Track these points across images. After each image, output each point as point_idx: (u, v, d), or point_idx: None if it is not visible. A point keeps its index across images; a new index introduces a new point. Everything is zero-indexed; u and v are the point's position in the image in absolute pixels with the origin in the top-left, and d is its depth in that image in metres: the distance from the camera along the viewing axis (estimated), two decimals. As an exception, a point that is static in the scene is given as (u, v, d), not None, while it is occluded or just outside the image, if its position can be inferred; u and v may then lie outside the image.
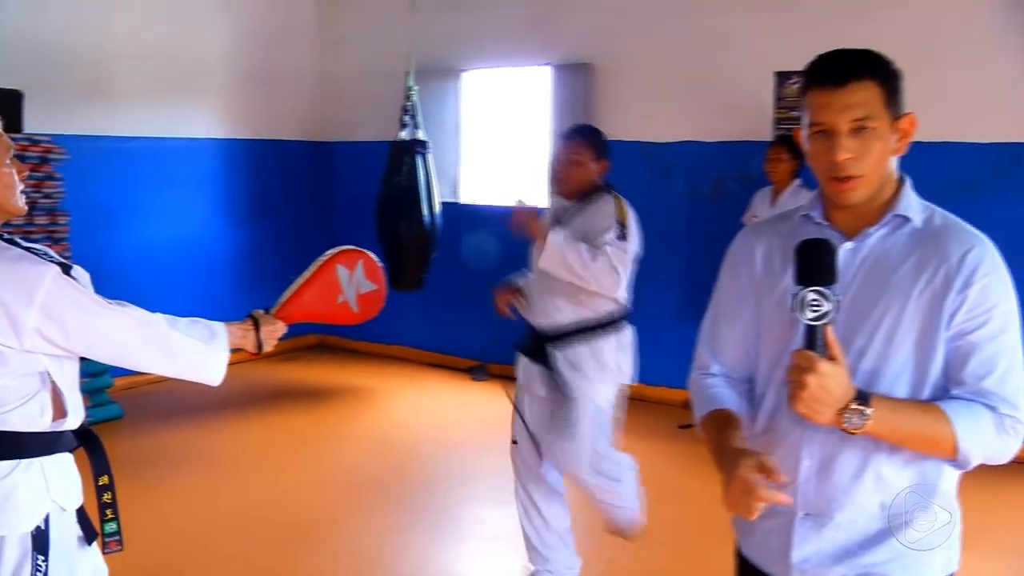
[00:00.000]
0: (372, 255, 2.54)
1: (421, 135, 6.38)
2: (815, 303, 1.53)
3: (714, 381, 1.86)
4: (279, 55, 7.88)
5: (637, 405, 6.47)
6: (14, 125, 5.47)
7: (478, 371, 7.19)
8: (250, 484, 5.00)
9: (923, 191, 1.73)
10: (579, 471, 3.58)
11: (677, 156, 6.52)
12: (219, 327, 2.22)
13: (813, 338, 1.54)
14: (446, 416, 6.39)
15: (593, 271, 3.35)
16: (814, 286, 1.54)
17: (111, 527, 2.19)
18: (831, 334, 1.54)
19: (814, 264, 1.57)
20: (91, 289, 2.06)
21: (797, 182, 5.44)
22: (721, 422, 1.76)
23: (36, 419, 1.99)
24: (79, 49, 6.44)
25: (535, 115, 7.17)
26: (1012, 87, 5.37)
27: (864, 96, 1.62)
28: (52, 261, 1.97)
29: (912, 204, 1.71)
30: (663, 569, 4.05)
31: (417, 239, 6.33)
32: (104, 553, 2.18)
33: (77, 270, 2.04)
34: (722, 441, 1.71)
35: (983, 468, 1.65)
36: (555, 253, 3.35)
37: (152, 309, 2.13)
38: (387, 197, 6.39)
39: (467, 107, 7.52)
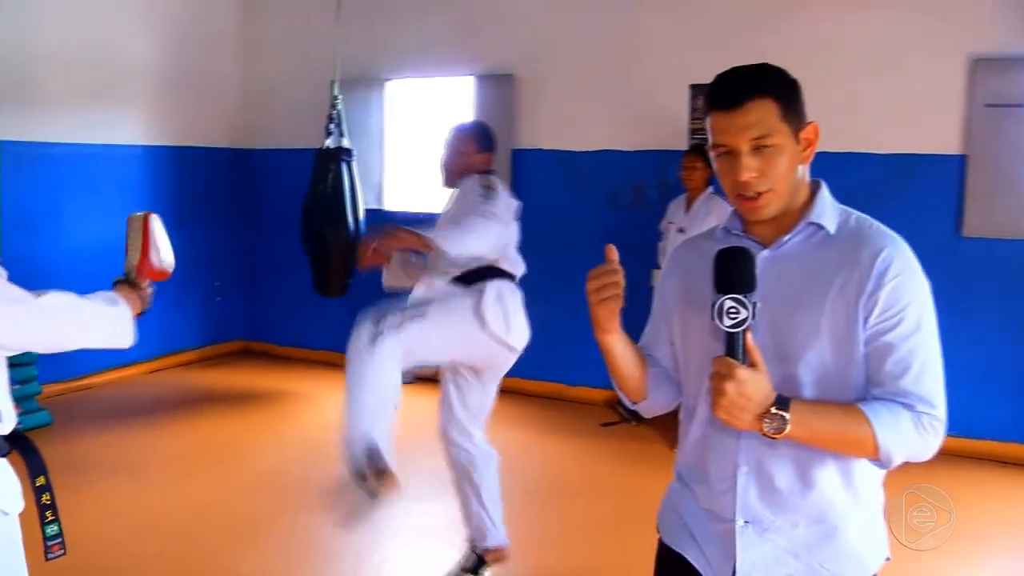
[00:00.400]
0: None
1: (346, 143, 6.47)
2: (733, 310, 1.56)
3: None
4: (203, 62, 7.89)
5: (560, 405, 6.71)
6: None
7: (405, 373, 7.30)
8: (183, 487, 5.03)
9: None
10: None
11: (597, 164, 6.74)
12: (111, 294, 2.27)
13: (733, 345, 1.58)
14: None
15: (472, 228, 3.45)
16: (731, 294, 1.57)
17: (53, 529, 2.13)
18: (750, 340, 1.58)
19: (730, 272, 1.60)
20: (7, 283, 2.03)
21: (710, 189, 5.69)
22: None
23: None
24: (3, 54, 6.37)
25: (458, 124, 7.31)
26: (910, 101, 5.71)
27: (760, 114, 1.65)
28: None
29: (826, 210, 1.74)
30: (592, 560, 4.21)
31: (342, 246, 6.40)
32: (47, 559, 2.12)
33: None
34: None
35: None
36: (447, 243, 3.40)
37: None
38: (313, 204, 6.46)
39: (391, 115, 7.63)
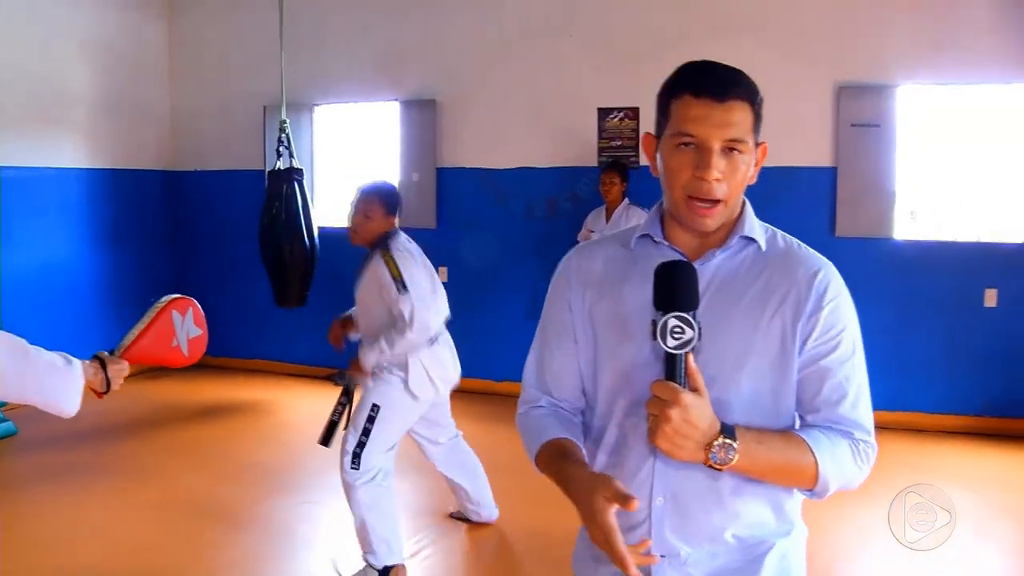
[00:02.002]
0: (197, 303, 2.65)
1: (296, 164, 6.89)
2: (677, 330, 1.42)
3: (542, 412, 1.73)
4: (135, 88, 8.27)
5: (490, 398, 7.36)
6: None
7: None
8: (157, 487, 5.31)
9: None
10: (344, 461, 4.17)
11: (515, 180, 7.46)
12: (71, 358, 2.21)
13: (674, 367, 1.44)
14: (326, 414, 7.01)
15: (403, 344, 3.96)
16: (676, 311, 1.43)
17: None
18: (692, 363, 1.45)
19: (675, 288, 1.46)
20: None
21: (626, 201, 6.50)
22: (559, 451, 1.63)
23: None
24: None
25: (384, 145, 7.95)
26: (789, 122, 6.64)
27: (740, 116, 1.53)
28: None
29: (755, 226, 1.64)
30: (543, 523, 4.79)
31: (299, 259, 6.78)
32: None
33: None
34: (568, 469, 1.57)
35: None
36: (372, 360, 4.04)
37: (20, 336, 2.16)
38: (269, 222, 6.83)
39: (321, 138, 8.20)
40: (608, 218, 6.54)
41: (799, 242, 1.67)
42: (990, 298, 6.38)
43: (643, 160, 6.97)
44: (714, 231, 1.61)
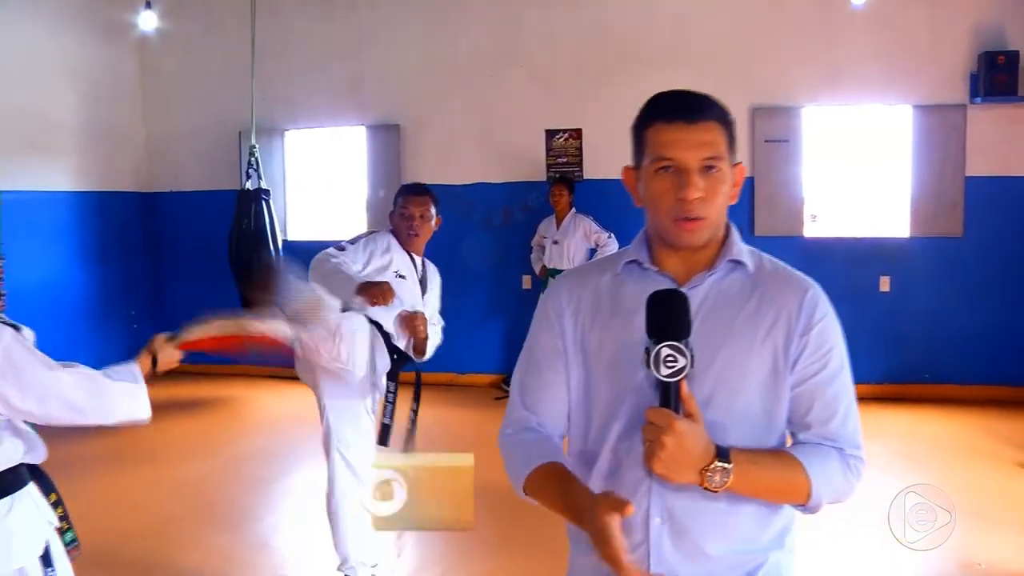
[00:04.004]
0: (286, 345, 2.75)
1: (264, 184, 7.49)
2: (670, 359, 1.43)
3: (532, 437, 1.71)
4: (112, 116, 8.79)
5: (455, 389, 8.02)
6: None
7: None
8: (148, 476, 5.73)
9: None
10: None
11: (472, 194, 8.21)
12: (134, 367, 2.32)
13: (668, 394, 1.45)
14: (306, 410, 7.64)
15: None
16: (668, 340, 1.44)
17: (69, 536, 2.32)
18: (686, 389, 1.46)
19: (667, 317, 1.47)
20: (35, 348, 2.14)
21: (574, 210, 7.33)
22: (557, 473, 1.63)
23: (13, 456, 2.15)
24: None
25: (352, 167, 8.66)
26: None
27: (713, 136, 1.56)
28: (5, 324, 2.09)
29: (743, 250, 1.65)
30: (492, 482, 5.49)
31: (266, 270, 7.25)
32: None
33: (25, 330, 2.15)
34: (571, 489, 1.59)
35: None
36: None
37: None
38: (238, 236, 7.39)
39: (291, 161, 8.84)
40: (558, 226, 7.41)
41: (785, 264, 1.69)
42: (884, 284, 7.40)
43: (587, 174, 7.90)
44: (701, 254, 1.63)
